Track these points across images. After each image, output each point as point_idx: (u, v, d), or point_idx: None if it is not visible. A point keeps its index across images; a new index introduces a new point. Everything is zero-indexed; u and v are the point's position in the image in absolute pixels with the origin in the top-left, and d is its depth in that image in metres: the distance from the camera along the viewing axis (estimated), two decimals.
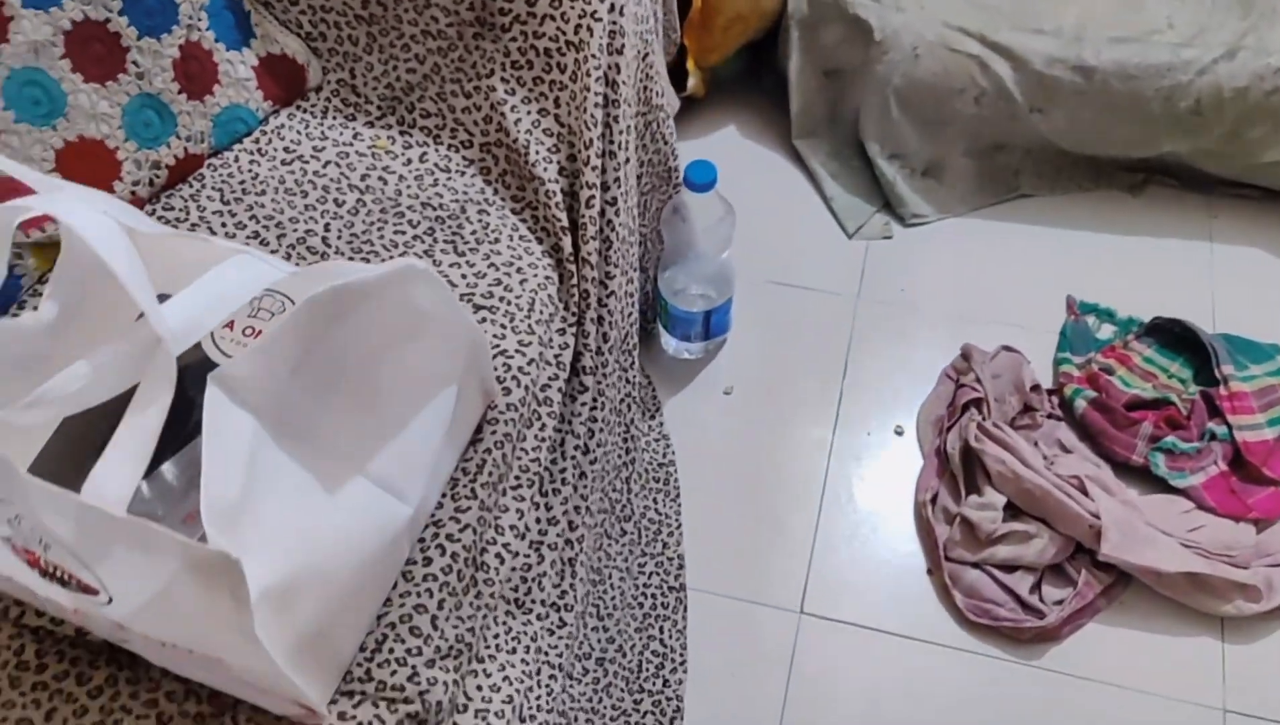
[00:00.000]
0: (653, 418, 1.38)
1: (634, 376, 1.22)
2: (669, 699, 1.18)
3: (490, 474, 0.87)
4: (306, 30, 1.05)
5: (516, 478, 0.91)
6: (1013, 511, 1.28)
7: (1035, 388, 1.38)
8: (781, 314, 1.50)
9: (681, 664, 1.21)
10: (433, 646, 0.81)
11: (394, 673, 0.78)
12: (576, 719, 1.12)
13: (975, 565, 1.26)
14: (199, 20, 0.99)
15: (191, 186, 1.01)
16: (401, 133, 1.04)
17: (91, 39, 0.93)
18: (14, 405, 0.58)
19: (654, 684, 1.19)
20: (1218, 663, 1.20)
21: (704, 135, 1.71)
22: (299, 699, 0.72)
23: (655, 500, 1.31)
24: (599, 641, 1.17)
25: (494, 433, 0.88)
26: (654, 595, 1.24)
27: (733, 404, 1.42)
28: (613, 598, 1.20)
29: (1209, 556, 1.23)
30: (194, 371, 0.63)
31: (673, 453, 1.36)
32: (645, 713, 1.18)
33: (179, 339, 0.59)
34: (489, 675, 0.90)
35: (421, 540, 0.83)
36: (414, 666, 0.79)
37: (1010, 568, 1.25)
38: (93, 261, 0.70)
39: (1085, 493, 1.25)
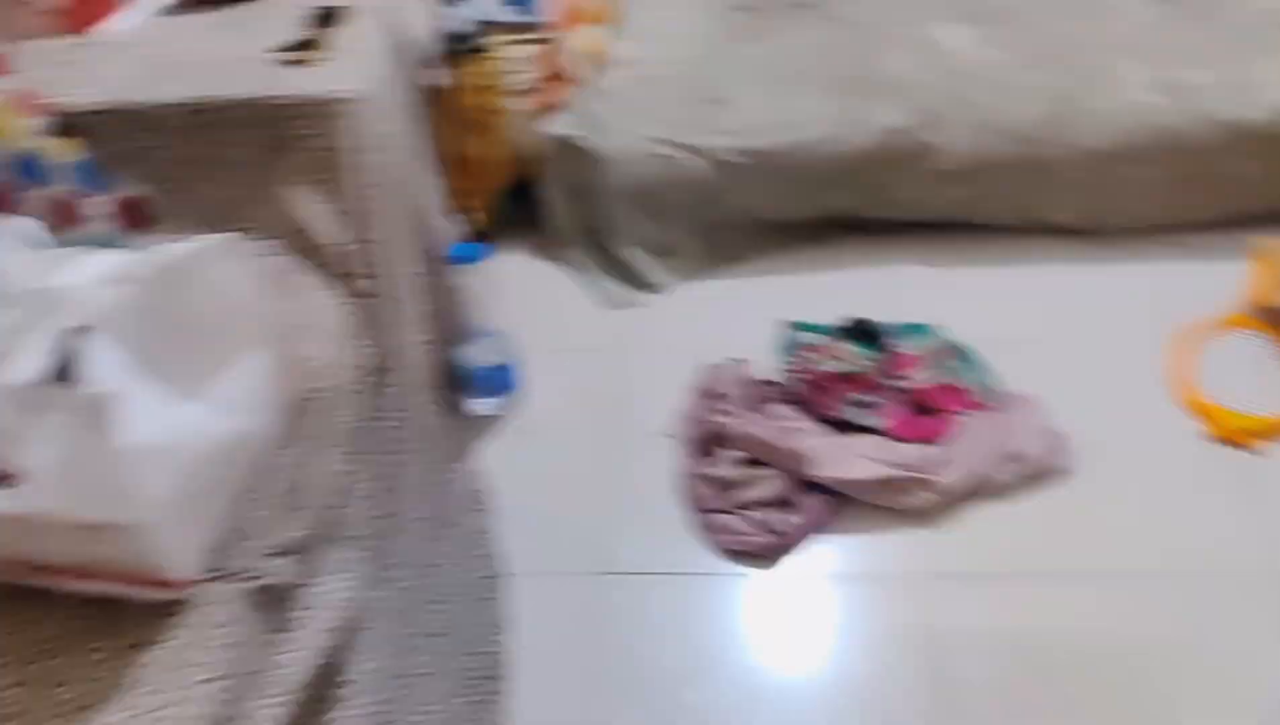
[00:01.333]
0: (462, 460, 1.73)
1: (430, 408, 1.58)
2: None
3: (309, 430, 1.22)
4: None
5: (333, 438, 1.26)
6: (749, 464, 1.65)
7: (758, 381, 1.79)
8: (567, 371, 1.89)
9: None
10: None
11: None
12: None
13: (726, 512, 1.61)
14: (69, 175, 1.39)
15: None
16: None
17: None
18: None
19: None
20: (924, 543, 1.57)
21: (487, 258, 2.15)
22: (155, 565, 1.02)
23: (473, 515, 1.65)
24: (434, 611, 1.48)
25: (310, 402, 1.24)
26: (477, 579, 1.56)
27: (539, 437, 1.79)
28: (444, 582, 1.51)
29: (895, 467, 1.61)
30: None
31: (483, 482, 1.70)
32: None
33: None
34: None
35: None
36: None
37: (753, 506, 1.61)
38: None
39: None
